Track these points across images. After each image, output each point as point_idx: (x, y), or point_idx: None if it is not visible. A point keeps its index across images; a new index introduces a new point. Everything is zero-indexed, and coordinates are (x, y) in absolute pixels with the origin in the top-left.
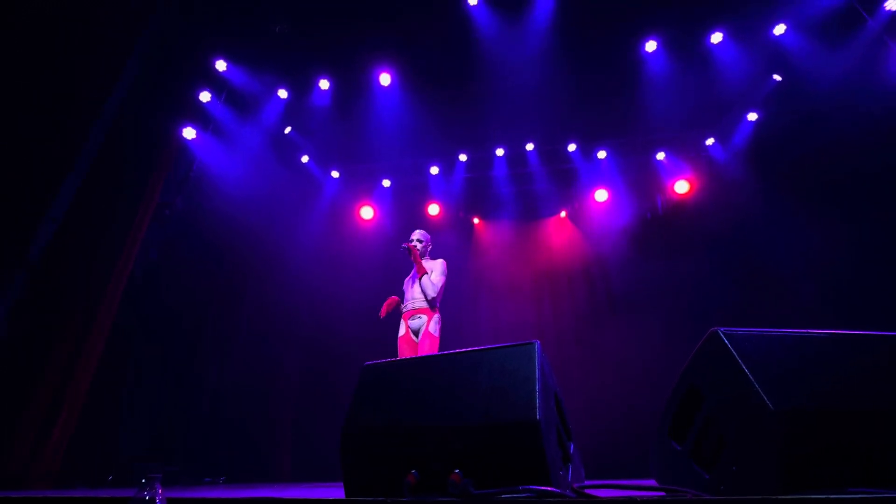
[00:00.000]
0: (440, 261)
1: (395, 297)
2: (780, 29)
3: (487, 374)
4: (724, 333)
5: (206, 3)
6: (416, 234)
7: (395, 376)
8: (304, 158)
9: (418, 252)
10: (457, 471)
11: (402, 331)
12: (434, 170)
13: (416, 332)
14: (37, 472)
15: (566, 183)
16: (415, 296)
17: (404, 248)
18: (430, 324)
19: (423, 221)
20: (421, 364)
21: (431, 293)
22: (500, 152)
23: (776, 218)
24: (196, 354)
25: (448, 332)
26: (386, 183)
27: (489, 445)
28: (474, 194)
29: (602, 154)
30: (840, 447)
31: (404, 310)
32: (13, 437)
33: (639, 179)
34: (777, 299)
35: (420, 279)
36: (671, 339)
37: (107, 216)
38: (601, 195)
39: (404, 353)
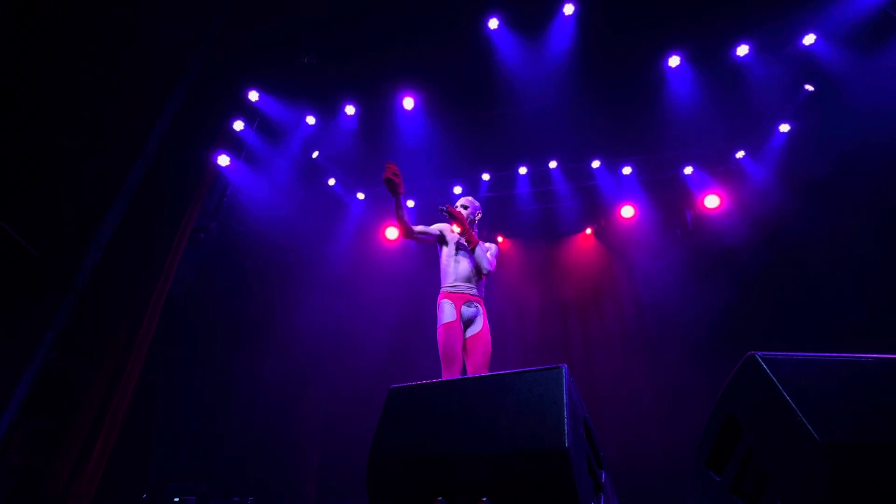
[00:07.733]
0: (494, 245)
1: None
2: (809, 39)
3: (514, 399)
4: (761, 358)
5: (241, 40)
6: (463, 200)
7: (421, 400)
8: (331, 181)
9: (465, 218)
10: (484, 499)
11: (450, 315)
12: (457, 189)
13: (467, 322)
14: (76, 492)
15: (591, 200)
16: (467, 275)
17: (444, 210)
18: (485, 317)
19: None
20: (447, 388)
21: (487, 266)
22: (523, 171)
23: (815, 232)
24: (227, 375)
25: None
26: (410, 203)
27: (517, 474)
28: (498, 213)
29: (627, 170)
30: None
31: (452, 289)
32: (56, 459)
33: (666, 195)
34: (821, 320)
35: (474, 250)
36: (706, 360)
37: (148, 242)
38: (627, 211)
39: (454, 344)
